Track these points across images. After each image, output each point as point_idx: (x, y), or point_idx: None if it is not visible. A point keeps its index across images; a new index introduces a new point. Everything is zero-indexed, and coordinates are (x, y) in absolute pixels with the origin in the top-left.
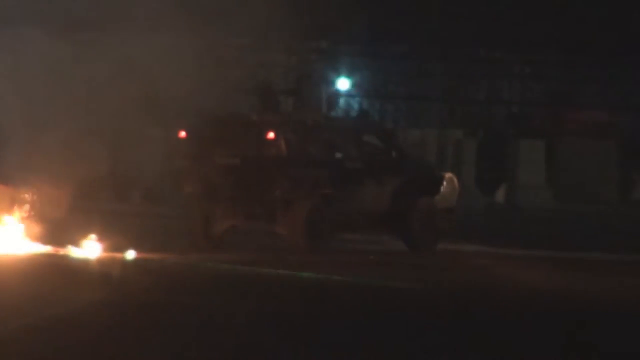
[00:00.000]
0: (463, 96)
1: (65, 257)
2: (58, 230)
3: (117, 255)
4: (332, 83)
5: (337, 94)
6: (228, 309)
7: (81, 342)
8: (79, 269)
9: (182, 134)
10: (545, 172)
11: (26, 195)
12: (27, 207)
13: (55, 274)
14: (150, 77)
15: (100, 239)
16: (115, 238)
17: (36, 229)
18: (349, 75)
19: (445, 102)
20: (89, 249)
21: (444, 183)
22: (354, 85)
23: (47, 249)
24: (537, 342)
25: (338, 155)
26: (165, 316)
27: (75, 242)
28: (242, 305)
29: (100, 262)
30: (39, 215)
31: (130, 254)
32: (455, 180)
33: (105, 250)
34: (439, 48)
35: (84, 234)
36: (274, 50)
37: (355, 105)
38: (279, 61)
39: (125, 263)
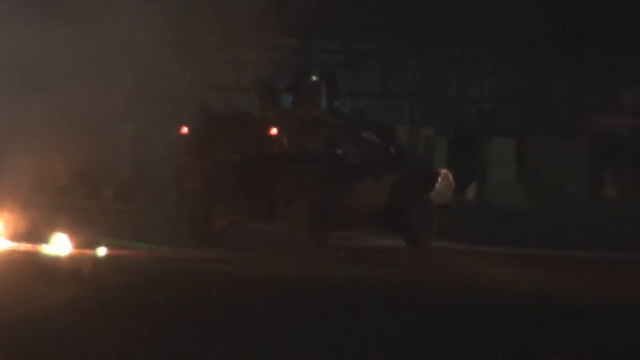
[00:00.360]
0: (434, 93)
1: (36, 254)
2: (29, 227)
3: (89, 251)
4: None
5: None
6: (201, 305)
7: (51, 338)
8: (50, 265)
9: (184, 130)
10: (516, 170)
11: None
12: None
13: (26, 271)
14: (122, 74)
15: (72, 235)
16: (86, 234)
17: (7, 225)
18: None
19: (417, 99)
20: (60, 245)
21: (439, 179)
22: None
23: (18, 245)
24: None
25: (339, 151)
26: (137, 312)
27: (46, 239)
28: (215, 301)
29: (72, 258)
30: (10, 211)
31: (102, 251)
32: (450, 176)
33: (77, 246)
34: (410, 45)
35: (55, 230)
36: (246, 47)
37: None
38: (250, 58)
39: (96, 259)
